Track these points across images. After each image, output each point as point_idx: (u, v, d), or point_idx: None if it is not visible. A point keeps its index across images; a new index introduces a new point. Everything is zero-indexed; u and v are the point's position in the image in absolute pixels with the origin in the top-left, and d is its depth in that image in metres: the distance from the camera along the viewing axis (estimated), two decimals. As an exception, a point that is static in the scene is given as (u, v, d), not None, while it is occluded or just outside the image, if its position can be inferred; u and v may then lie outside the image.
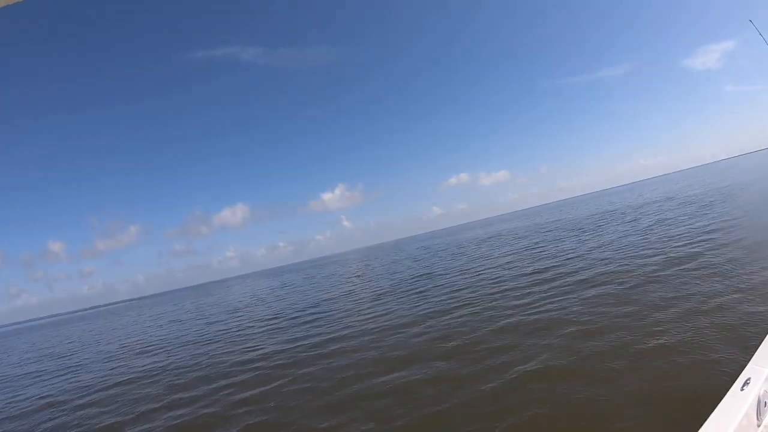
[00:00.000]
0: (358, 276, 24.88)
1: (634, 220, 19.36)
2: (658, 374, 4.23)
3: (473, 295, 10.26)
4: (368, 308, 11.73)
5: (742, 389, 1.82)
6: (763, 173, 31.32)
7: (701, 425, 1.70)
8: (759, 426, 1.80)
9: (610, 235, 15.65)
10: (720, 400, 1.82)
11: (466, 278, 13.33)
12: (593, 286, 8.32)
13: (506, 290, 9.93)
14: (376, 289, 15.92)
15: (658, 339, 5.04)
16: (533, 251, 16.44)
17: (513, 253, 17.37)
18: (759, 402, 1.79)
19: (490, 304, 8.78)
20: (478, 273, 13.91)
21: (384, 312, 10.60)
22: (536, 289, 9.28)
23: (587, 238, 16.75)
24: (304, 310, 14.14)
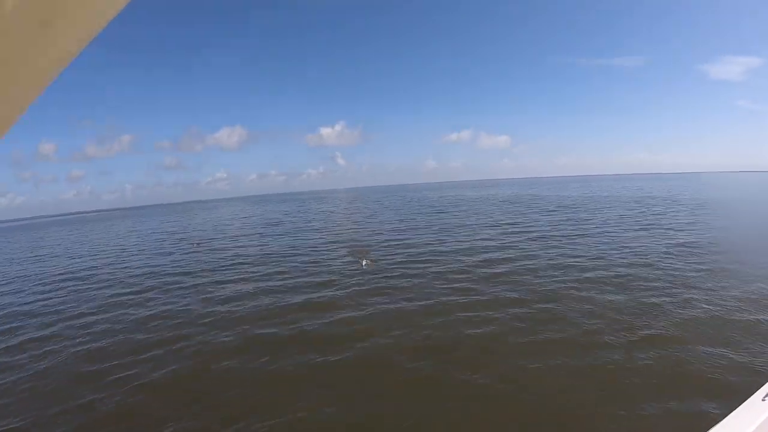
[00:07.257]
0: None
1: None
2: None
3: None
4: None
5: (763, 399, 1.80)
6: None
7: (713, 425, 1.75)
8: None
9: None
10: (738, 405, 1.83)
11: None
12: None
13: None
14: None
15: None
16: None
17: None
18: None
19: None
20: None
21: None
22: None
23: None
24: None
